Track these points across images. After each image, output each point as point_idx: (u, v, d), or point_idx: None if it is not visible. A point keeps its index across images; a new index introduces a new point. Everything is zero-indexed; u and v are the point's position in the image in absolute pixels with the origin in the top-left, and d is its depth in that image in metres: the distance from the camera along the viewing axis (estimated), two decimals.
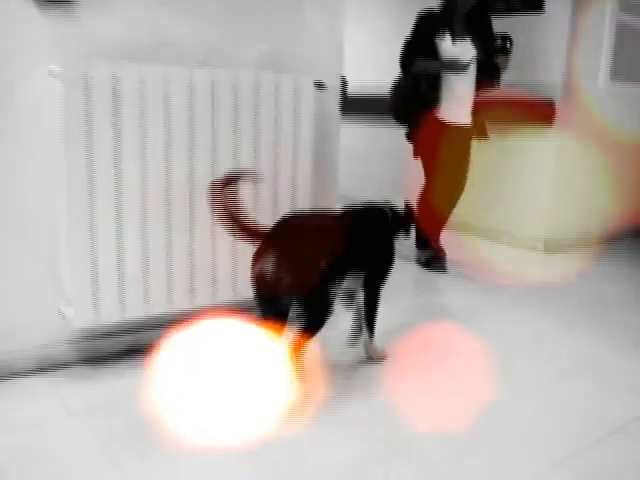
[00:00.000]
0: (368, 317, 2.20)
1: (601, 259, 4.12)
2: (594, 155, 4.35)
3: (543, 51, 4.01)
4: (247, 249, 2.26)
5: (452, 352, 2.40)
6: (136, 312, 2.08)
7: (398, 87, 3.52)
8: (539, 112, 4.01)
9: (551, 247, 4.18)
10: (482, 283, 3.41)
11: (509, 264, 3.69)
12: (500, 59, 3.46)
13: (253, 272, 1.80)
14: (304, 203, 2.41)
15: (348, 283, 2.04)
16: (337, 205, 2.42)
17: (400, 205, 2.28)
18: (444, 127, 3.46)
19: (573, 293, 3.30)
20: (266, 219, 2.31)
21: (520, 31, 3.75)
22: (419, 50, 3.39)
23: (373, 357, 2.26)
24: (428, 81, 3.39)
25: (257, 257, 1.79)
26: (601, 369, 2.32)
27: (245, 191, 2.24)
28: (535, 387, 2.13)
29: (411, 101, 3.45)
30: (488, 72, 3.50)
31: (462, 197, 3.63)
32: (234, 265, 2.28)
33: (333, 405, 1.93)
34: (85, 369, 2.09)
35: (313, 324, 1.83)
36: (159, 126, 2.02)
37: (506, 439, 1.79)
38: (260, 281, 1.78)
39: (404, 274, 3.45)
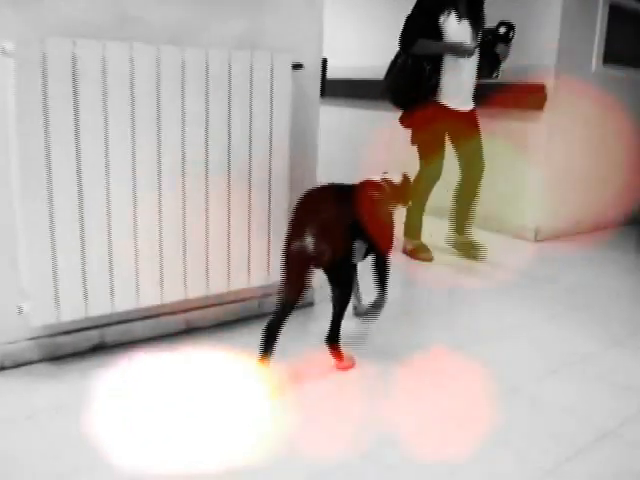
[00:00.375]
0: (381, 284, 2.17)
1: (593, 248, 4.02)
2: (586, 141, 4.24)
3: (535, 34, 3.88)
4: (219, 243, 2.16)
5: (433, 347, 2.30)
6: (101, 309, 1.96)
7: (396, 68, 3.30)
8: (530, 96, 3.89)
9: (542, 235, 4.08)
10: (468, 272, 3.31)
11: (497, 252, 3.58)
12: (500, 48, 3.27)
13: (292, 248, 1.82)
14: (281, 190, 2.29)
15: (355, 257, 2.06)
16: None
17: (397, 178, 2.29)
18: (447, 114, 3.29)
19: (562, 283, 3.20)
20: (241, 209, 2.20)
21: (511, 13, 3.60)
22: (422, 29, 3.18)
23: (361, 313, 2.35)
24: (432, 64, 3.20)
25: (294, 234, 1.82)
26: (590, 364, 2.22)
27: (216, 179, 2.13)
28: (521, 384, 2.03)
29: (412, 84, 3.23)
30: (488, 60, 3.33)
31: (445, 184, 3.51)
32: (206, 259, 2.16)
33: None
34: (49, 367, 1.97)
35: (348, 294, 1.97)
36: (123, 109, 1.88)
37: (493, 442, 1.69)
38: (299, 256, 1.80)
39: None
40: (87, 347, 2.07)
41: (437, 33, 3.19)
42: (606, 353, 2.32)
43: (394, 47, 3.29)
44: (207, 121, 2.06)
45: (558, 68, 3.87)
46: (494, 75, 3.41)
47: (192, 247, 2.11)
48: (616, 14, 4.18)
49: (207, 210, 2.12)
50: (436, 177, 3.44)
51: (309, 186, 2.51)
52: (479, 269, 3.39)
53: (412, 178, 2.97)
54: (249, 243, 2.25)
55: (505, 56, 3.32)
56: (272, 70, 2.18)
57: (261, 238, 2.27)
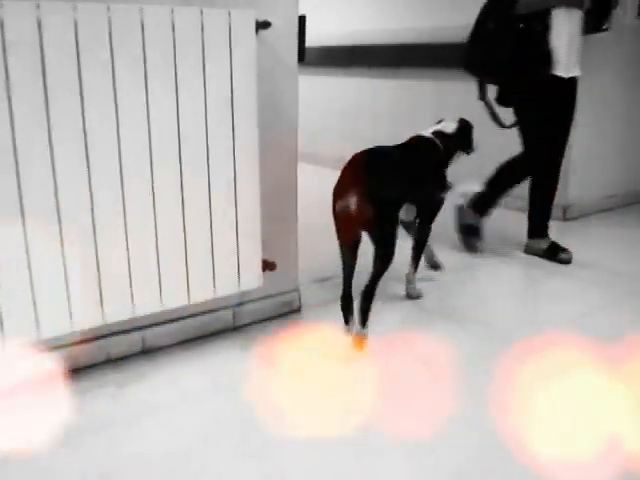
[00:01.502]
0: (415, 250, 2.35)
1: (631, 225, 3.54)
2: (620, 102, 3.73)
3: None
4: (173, 249, 1.75)
5: (463, 347, 1.89)
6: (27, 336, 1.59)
7: (491, 34, 2.63)
8: None
9: (572, 213, 3.60)
10: (491, 257, 2.87)
11: (521, 236, 3.11)
12: None
13: (337, 209, 1.86)
14: (249, 180, 1.88)
15: (403, 215, 2.11)
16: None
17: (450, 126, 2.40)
18: (557, 81, 2.64)
19: (600, 270, 2.75)
20: (199, 207, 1.80)
21: None
22: None
23: (412, 296, 2.38)
24: (540, 24, 2.55)
25: (339, 195, 1.86)
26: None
27: (163, 172, 1.72)
28: (552, 414, 1.62)
29: (518, 52, 2.58)
30: (596, 10, 2.68)
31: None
32: (157, 270, 1.76)
33: None
34: None
35: (389, 257, 1.91)
36: (30, 85, 1.48)
37: None
38: (344, 216, 1.85)
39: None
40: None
41: None
42: None
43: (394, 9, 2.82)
44: (147, 102, 1.64)
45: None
46: (604, 27, 2.76)
47: (136, 258, 1.71)
48: None
49: (154, 211, 1.72)
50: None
51: (287, 168, 2.12)
52: (498, 255, 2.95)
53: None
54: (212, 247, 1.84)
55: (616, 4, 2.69)
56: (230, 31, 1.75)
57: (227, 240, 1.87)
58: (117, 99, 1.59)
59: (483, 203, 2.98)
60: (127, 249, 1.69)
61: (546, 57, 2.59)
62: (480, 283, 2.61)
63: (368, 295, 1.92)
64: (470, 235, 2.99)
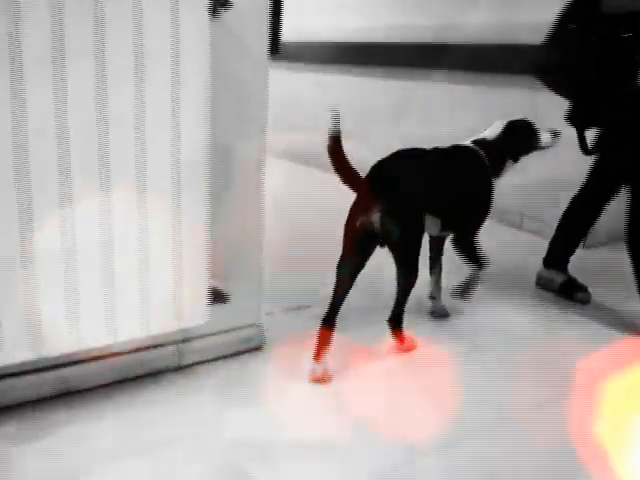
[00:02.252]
0: (469, 258, 2.09)
1: None
2: None
3: None
4: (96, 279, 1.41)
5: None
6: None
7: (570, 38, 2.17)
8: None
9: (591, 239, 3.21)
10: (499, 290, 2.50)
11: (533, 267, 2.73)
12: None
13: (356, 224, 1.73)
14: (195, 198, 1.54)
15: (428, 229, 1.96)
16: None
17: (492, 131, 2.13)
18: None
19: (614, 313, 2.37)
20: (130, 228, 1.47)
21: None
22: None
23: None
24: (633, 28, 2.09)
25: (360, 210, 1.73)
26: None
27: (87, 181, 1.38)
28: None
29: (604, 63, 2.10)
30: None
31: None
32: (70, 304, 1.43)
33: None
34: None
35: (413, 274, 1.83)
36: None
37: None
38: (364, 232, 1.73)
39: None
40: None
41: None
42: None
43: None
44: (65, 97, 1.31)
45: None
46: None
47: (46, 285, 1.38)
48: None
49: (73, 228, 1.39)
50: None
51: (250, 176, 1.78)
52: (511, 285, 2.58)
53: None
54: (143, 273, 1.50)
55: None
56: (176, 12, 1.41)
57: (165, 269, 1.53)
58: (24, 104, 1.26)
59: (558, 255, 2.58)
60: (33, 275, 1.36)
61: (634, 67, 2.13)
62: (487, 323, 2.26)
63: (396, 320, 1.91)
64: (569, 291, 2.52)
